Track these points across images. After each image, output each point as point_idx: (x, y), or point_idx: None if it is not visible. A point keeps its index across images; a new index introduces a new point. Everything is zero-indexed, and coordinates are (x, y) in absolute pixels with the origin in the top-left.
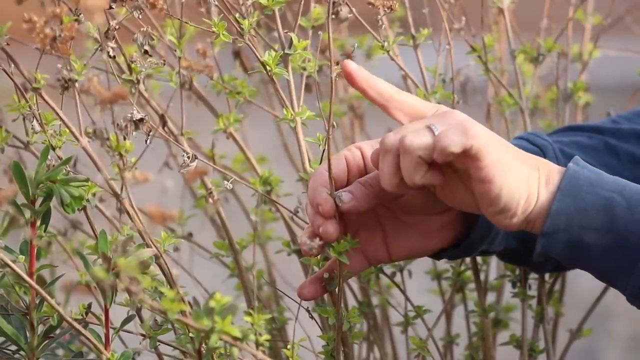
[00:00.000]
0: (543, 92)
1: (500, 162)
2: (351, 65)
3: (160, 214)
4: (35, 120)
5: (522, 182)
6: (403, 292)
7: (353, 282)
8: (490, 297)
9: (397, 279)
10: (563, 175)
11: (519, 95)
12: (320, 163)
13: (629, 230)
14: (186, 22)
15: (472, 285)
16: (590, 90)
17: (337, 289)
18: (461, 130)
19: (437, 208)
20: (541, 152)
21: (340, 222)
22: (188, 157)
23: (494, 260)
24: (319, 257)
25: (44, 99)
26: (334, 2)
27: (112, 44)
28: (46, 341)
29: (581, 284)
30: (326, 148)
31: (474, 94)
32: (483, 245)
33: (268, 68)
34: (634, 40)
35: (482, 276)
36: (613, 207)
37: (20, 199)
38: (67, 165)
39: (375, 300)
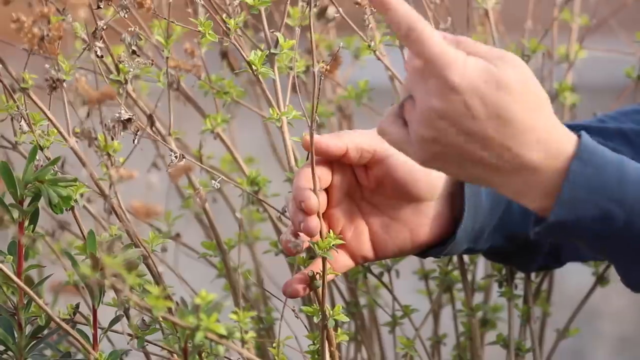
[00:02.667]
0: None
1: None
2: None
3: (145, 209)
4: (23, 121)
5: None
6: (391, 291)
7: (340, 282)
8: (478, 297)
9: (385, 278)
10: (563, 182)
11: None
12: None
13: None
14: (173, 22)
15: (459, 285)
16: (577, 91)
17: (321, 287)
18: None
19: (416, 188)
20: None
21: (324, 220)
22: (176, 157)
23: (481, 260)
24: (304, 256)
25: (32, 99)
26: None
27: (99, 44)
28: (34, 341)
29: (568, 283)
30: (311, 151)
31: None
32: (469, 242)
33: (254, 68)
34: (620, 40)
35: (469, 276)
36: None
37: (9, 199)
38: (55, 166)
39: (363, 300)
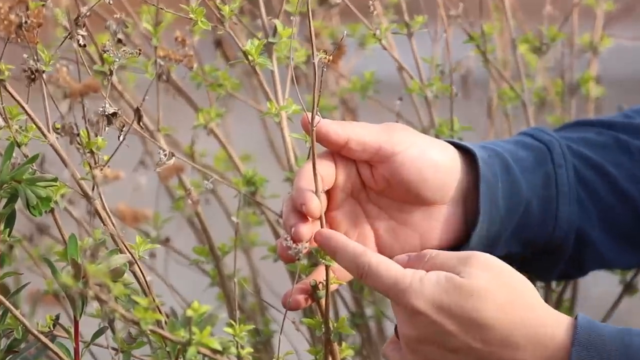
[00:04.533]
0: (551, 85)
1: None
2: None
3: (133, 213)
4: None
5: None
6: None
7: (345, 292)
8: None
9: None
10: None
11: (521, 88)
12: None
13: None
14: (162, 9)
15: None
16: (601, 83)
17: (325, 298)
18: None
19: (428, 188)
20: (547, 148)
21: (327, 223)
22: (165, 155)
23: None
24: (305, 263)
25: (9, 92)
26: None
27: (82, 31)
28: (10, 356)
29: (593, 292)
30: (312, 144)
31: (475, 88)
32: (484, 248)
33: (250, 58)
34: None
35: None
36: None
37: None
38: (34, 164)
39: (369, 311)
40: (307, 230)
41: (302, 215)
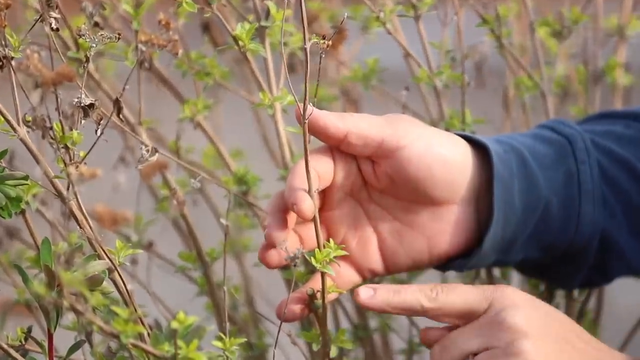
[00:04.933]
0: (574, 73)
1: None
2: (363, 296)
3: (112, 215)
4: None
5: None
6: None
7: (347, 301)
8: None
9: None
10: None
11: (540, 77)
12: None
13: None
14: None
15: None
16: (630, 71)
17: (322, 308)
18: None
19: (433, 189)
20: (568, 142)
21: (323, 225)
22: (147, 151)
23: (514, 275)
24: (299, 269)
25: None
26: None
27: (55, 14)
28: None
29: (619, 302)
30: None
31: (489, 77)
32: (498, 253)
33: (241, 43)
34: None
35: None
36: None
37: None
38: (2, 161)
39: (373, 323)
40: (282, 236)
41: (283, 219)
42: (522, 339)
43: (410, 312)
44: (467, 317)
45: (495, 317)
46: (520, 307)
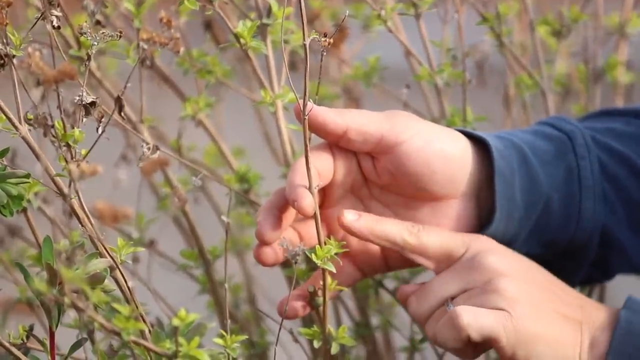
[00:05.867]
0: (574, 72)
1: (528, 337)
2: (347, 218)
3: (113, 213)
4: None
5: (556, 352)
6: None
7: (348, 299)
8: None
9: None
10: (613, 334)
11: (540, 75)
12: None
13: None
14: None
15: None
16: (631, 69)
17: (323, 305)
18: (488, 301)
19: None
20: (568, 138)
21: (323, 222)
22: (149, 149)
23: None
24: (301, 266)
25: None
26: None
27: (57, 12)
28: None
29: (621, 300)
30: (304, 134)
31: (490, 75)
32: None
33: (242, 41)
34: None
35: None
36: None
37: None
38: (4, 159)
39: (375, 321)
40: (273, 236)
41: (277, 217)
42: (500, 277)
43: (391, 244)
44: (444, 260)
45: (472, 260)
46: (497, 252)
